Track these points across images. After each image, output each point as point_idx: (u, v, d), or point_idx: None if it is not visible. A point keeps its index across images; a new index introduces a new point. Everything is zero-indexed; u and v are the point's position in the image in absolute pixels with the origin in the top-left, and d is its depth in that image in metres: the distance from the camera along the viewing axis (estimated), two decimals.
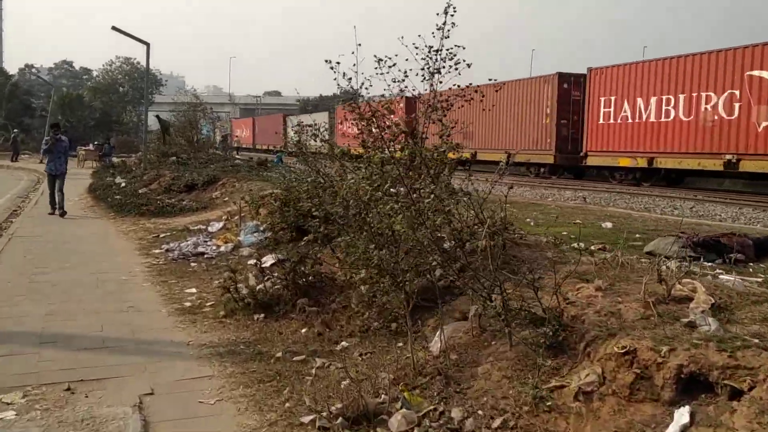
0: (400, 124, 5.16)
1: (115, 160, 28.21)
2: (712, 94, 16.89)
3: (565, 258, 5.24)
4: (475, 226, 4.92)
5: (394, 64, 5.25)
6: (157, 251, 9.17)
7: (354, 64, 5.64)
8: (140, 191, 16.19)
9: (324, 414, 3.60)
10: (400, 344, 4.67)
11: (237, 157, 25.04)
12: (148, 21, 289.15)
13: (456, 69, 5.25)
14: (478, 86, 5.91)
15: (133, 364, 4.69)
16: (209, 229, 10.61)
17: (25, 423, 3.71)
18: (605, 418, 3.19)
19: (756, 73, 15.89)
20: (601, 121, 20.50)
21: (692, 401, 3.04)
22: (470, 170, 5.34)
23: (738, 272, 5.05)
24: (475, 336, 4.28)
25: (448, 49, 5.26)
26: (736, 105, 16.30)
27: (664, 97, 18.32)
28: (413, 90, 5.56)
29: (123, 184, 17.75)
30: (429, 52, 5.33)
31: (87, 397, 4.07)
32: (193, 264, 8.34)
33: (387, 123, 5.09)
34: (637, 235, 7.18)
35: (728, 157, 16.48)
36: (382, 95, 5.77)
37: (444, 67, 5.26)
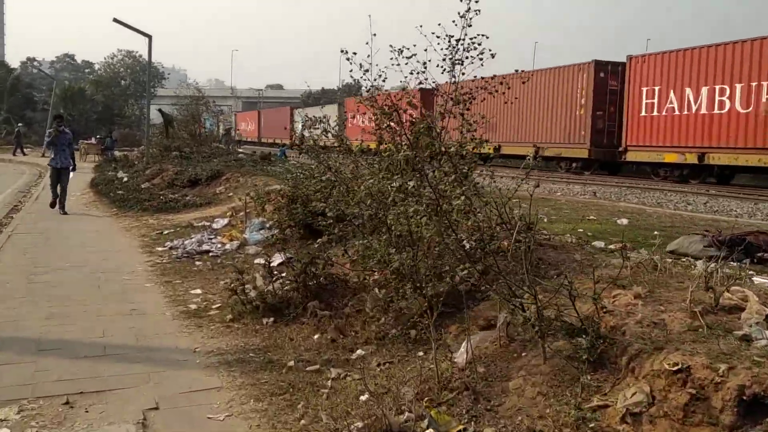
0: (427, 119, 4.83)
1: (117, 153, 27.96)
2: None
3: (594, 261, 4.93)
4: (497, 227, 4.62)
5: (414, 55, 4.93)
6: (160, 249, 8.89)
7: (368, 55, 5.34)
8: (143, 186, 15.94)
9: None
10: (421, 353, 4.36)
11: (240, 151, 24.69)
12: (149, 14, 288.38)
13: (480, 59, 4.92)
14: (504, 76, 5.56)
15: (137, 373, 4.39)
16: (214, 225, 10.31)
17: None
18: None
19: None
20: (643, 113, 18.88)
21: (756, 425, 2.74)
22: (492, 167, 5.02)
23: None
24: (503, 346, 3.98)
25: (471, 38, 4.93)
26: None
27: (717, 87, 16.70)
28: (433, 81, 5.24)
29: (125, 179, 17.48)
30: (449, 41, 5.00)
31: (87, 411, 3.79)
32: (197, 263, 8.05)
33: (407, 118, 4.77)
34: (656, 233, 6.85)
35: None
36: (403, 87, 5.45)
37: (467, 57, 4.92)
